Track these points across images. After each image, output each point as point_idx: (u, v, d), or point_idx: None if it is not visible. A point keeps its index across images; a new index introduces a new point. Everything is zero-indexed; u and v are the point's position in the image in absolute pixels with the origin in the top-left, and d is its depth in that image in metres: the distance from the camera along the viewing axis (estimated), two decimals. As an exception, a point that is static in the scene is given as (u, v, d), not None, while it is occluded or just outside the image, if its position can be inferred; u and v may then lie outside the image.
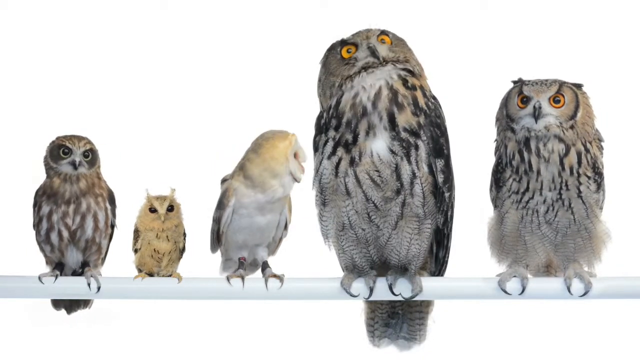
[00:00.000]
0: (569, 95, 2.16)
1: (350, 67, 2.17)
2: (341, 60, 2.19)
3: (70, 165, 2.25)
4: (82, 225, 2.25)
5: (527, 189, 2.16)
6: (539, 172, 2.14)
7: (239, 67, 3.00)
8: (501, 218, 2.21)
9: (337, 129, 2.13)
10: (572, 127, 2.14)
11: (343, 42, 2.20)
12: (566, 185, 2.14)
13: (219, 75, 3.01)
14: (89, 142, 2.28)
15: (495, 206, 2.24)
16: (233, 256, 2.30)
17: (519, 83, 2.19)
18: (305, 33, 2.75)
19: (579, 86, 2.18)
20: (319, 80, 2.23)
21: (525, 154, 2.15)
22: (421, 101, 2.14)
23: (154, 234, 2.27)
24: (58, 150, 2.26)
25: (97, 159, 2.29)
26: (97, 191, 2.27)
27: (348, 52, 2.19)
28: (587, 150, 2.15)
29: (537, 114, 2.14)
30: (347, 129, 2.12)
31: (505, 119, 2.19)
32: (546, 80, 2.17)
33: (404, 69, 2.16)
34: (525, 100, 2.16)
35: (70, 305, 2.34)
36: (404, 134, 2.11)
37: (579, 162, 2.13)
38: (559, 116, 2.14)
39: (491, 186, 2.25)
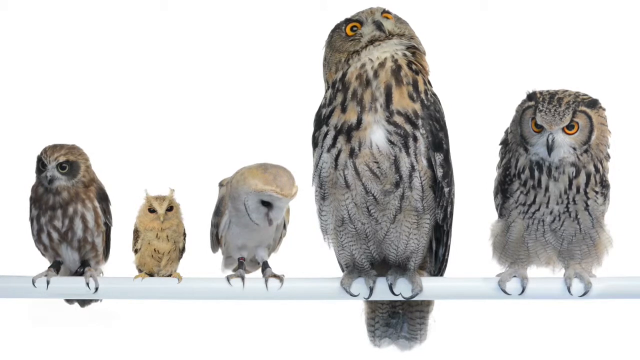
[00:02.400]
0: (582, 121, 2.11)
1: (355, 42, 2.19)
2: (346, 38, 2.21)
3: (45, 180, 2.23)
4: (72, 227, 2.25)
5: (534, 201, 2.15)
6: (547, 189, 2.14)
7: (239, 68, 3.00)
8: (507, 227, 2.20)
9: (343, 106, 2.13)
10: (586, 150, 2.12)
11: (347, 20, 2.22)
12: (574, 200, 2.13)
13: (218, 76, 3.01)
14: (67, 152, 2.23)
15: (502, 215, 2.23)
16: (234, 255, 2.31)
17: (533, 104, 2.13)
18: (305, 35, 2.75)
19: (593, 105, 2.13)
20: (325, 59, 2.24)
21: (536, 172, 2.15)
22: (421, 86, 2.15)
23: (153, 234, 2.27)
24: (38, 163, 2.25)
25: (77, 169, 2.25)
26: (82, 197, 2.25)
27: (352, 29, 2.21)
28: (597, 171, 2.13)
29: (550, 148, 2.11)
30: (353, 100, 2.13)
31: (520, 137, 2.16)
32: (559, 109, 2.10)
33: (409, 46, 2.19)
34: (539, 126, 2.13)
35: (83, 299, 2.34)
36: (398, 118, 2.11)
37: (587, 183, 2.12)
38: (573, 143, 2.11)
39: (496, 193, 2.24)
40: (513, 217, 2.19)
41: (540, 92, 2.15)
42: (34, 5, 3.06)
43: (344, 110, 2.13)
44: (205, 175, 2.42)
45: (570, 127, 2.12)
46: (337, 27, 2.24)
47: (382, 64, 2.15)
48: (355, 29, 2.21)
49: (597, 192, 2.14)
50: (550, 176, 2.13)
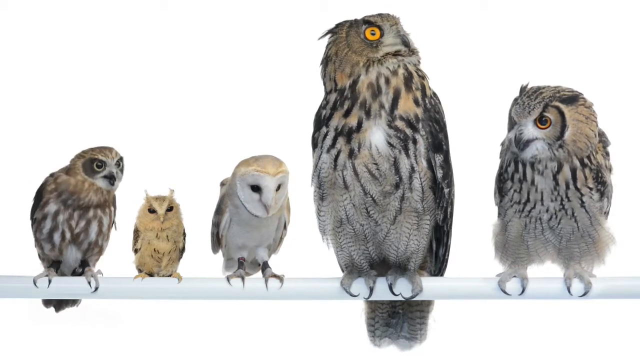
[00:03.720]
0: (553, 116, 2.09)
1: (374, 49, 2.17)
2: (364, 41, 2.17)
3: (106, 179, 2.25)
4: (87, 229, 2.25)
5: (528, 199, 2.15)
6: (533, 182, 2.13)
7: (239, 68, 3.00)
8: (505, 226, 2.21)
9: (347, 113, 2.13)
10: (560, 146, 2.10)
11: (367, 23, 2.18)
12: (567, 196, 2.12)
13: (218, 76, 3.01)
14: (117, 151, 2.28)
15: (499, 214, 2.23)
16: (234, 256, 2.31)
17: (518, 97, 2.14)
18: (305, 35, 2.75)
19: (570, 101, 2.11)
20: (335, 55, 2.18)
21: (520, 166, 2.14)
22: (428, 91, 2.16)
23: (153, 234, 2.27)
24: (91, 164, 2.25)
25: (123, 168, 2.29)
26: (109, 201, 2.28)
27: (372, 34, 2.18)
28: (584, 165, 2.11)
29: (517, 140, 2.11)
30: (362, 109, 2.12)
31: (508, 129, 2.18)
32: (531, 103, 2.10)
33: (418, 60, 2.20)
34: (513, 119, 2.14)
35: (59, 303, 2.34)
36: (399, 123, 2.11)
37: (574, 178, 2.11)
38: (545, 138, 2.10)
39: (495, 192, 2.24)
40: (509, 216, 2.19)
41: (529, 87, 2.14)
42: (34, 5, 3.06)
43: (347, 114, 2.13)
44: (205, 175, 2.42)
45: (542, 121, 2.11)
46: (354, 25, 2.19)
47: (394, 72, 2.15)
48: (374, 33, 2.19)
49: (591, 189, 2.13)
50: (534, 169, 2.12)
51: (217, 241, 2.31)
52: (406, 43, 2.18)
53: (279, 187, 2.19)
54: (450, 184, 2.20)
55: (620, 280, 2.23)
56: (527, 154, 2.12)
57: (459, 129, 2.24)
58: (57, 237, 2.25)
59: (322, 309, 2.63)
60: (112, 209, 2.29)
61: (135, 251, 2.30)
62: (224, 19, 3.06)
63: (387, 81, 2.13)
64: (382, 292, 2.23)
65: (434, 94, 2.19)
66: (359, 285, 2.24)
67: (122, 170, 2.28)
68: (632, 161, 2.63)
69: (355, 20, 2.20)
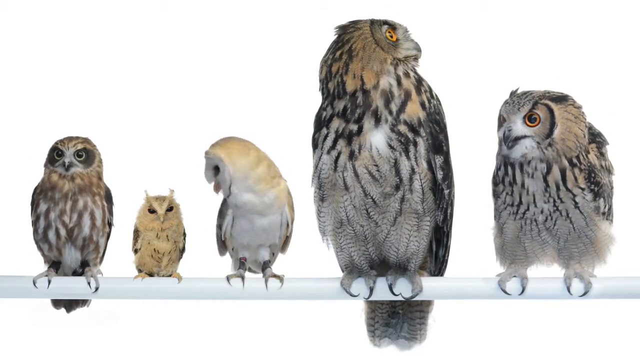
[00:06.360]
0: (543, 113, 2.10)
1: (395, 50, 2.17)
2: (386, 40, 2.17)
3: (61, 167, 2.25)
4: (80, 223, 2.26)
5: (521, 202, 2.15)
6: (523, 185, 2.13)
7: (239, 68, 3.00)
8: (500, 228, 2.21)
9: (359, 119, 2.12)
10: (549, 145, 2.10)
11: (388, 24, 2.19)
12: (559, 197, 2.12)
13: (218, 76, 3.01)
14: (84, 141, 2.28)
15: (494, 217, 2.23)
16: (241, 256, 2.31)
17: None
18: (305, 34, 2.75)
19: (560, 100, 2.12)
20: (362, 49, 2.14)
21: (509, 169, 2.14)
22: (433, 93, 2.17)
23: (153, 234, 2.27)
24: (52, 153, 2.27)
25: (93, 158, 2.29)
26: (94, 190, 2.27)
27: (390, 35, 2.18)
28: (573, 165, 2.11)
29: (507, 137, 2.12)
30: (373, 117, 2.12)
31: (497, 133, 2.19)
32: (520, 101, 2.12)
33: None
34: (503, 118, 2.15)
35: (70, 303, 2.35)
36: (402, 127, 2.11)
37: (564, 179, 2.11)
38: (534, 135, 2.10)
39: (492, 194, 2.25)
40: (504, 219, 2.19)
41: (519, 90, 2.16)
42: (34, 5, 3.06)
43: (357, 122, 2.12)
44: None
45: (531, 119, 2.11)
46: (375, 23, 2.18)
47: (406, 74, 2.15)
48: (392, 35, 2.18)
49: (583, 189, 2.13)
50: (524, 171, 2.13)
51: (222, 244, 2.32)
52: (419, 48, 2.20)
53: (218, 170, 2.21)
54: (450, 185, 2.20)
55: (620, 280, 2.23)
56: (517, 152, 2.12)
57: (458, 129, 2.25)
58: (52, 235, 2.25)
59: (322, 309, 2.63)
60: (105, 203, 2.29)
61: (135, 251, 2.30)
62: (223, 18, 3.06)
63: (400, 84, 2.13)
64: (382, 292, 2.24)
65: (435, 95, 2.19)
66: (359, 285, 2.24)
67: (84, 161, 2.27)
68: (632, 161, 2.63)
69: (374, 19, 2.19)
